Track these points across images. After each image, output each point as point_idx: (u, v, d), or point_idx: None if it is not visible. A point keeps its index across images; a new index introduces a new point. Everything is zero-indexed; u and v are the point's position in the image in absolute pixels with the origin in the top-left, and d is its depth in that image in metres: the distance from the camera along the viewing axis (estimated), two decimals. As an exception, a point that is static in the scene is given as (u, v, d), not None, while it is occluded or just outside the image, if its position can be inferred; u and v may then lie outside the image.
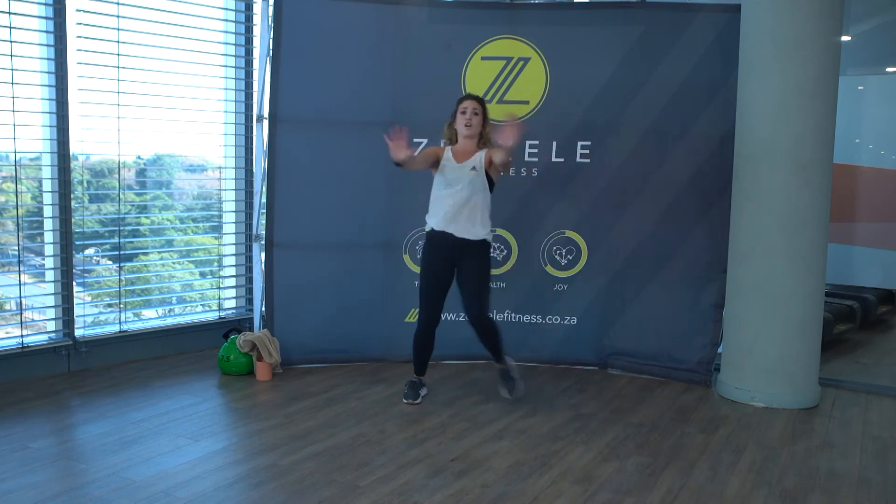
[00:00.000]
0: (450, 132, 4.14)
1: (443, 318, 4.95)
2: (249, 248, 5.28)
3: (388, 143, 3.83)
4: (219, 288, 5.45)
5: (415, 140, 4.83)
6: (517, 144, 3.87)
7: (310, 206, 4.77)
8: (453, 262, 4.08)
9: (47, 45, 4.34)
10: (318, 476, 3.17)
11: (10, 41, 4.17)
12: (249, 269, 5.37)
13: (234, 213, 5.37)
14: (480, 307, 4.10)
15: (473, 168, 4.00)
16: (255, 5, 5.22)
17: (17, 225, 4.32)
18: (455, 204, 4.00)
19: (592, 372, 4.89)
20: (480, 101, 4.12)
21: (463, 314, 4.89)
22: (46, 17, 4.31)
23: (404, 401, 4.14)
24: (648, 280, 4.85)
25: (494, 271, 4.95)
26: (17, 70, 4.20)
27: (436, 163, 4.07)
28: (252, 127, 5.17)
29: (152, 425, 3.71)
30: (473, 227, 4.03)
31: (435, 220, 4.08)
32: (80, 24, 4.44)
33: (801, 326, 4.28)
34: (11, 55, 4.17)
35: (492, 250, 4.41)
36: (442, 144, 4.21)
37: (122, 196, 4.81)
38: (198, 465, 3.25)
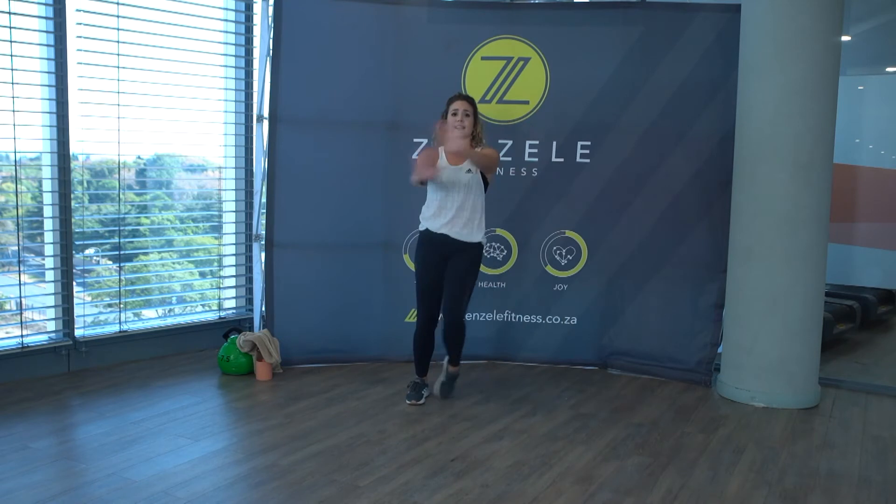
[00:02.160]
0: (441, 133, 4.09)
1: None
2: (249, 248, 5.28)
3: (418, 164, 3.88)
4: (219, 288, 5.45)
5: (414, 140, 4.84)
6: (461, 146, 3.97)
7: (310, 206, 4.77)
8: (446, 259, 4.08)
9: (47, 45, 4.34)
10: (318, 476, 3.17)
11: (10, 41, 4.17)
12: (249, 269, 5.37)
13: (234, 213, 5.37)
14: (460, 310, 4.11)
15: (469, 170, 4.00)
16: (255, 5, 5.22)
17: (17, 225, 4.32)
18: (453, 207, 4.01)
19: (592, 372, 4.89)
20: (471, 101, 4.12)
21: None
22: (46, 17, 4.31)
23: (407, 402, 4.13)
24: (648, 280, 4.85)
25: (495, 271, 4.97)
26: (17, 70, 4.20)
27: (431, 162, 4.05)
28: (252, 127, 5.17)
29: (152, 425, 3.71)
30: (470, 230, 4.04)
31: (431, 221, 4.08)
32: (80, 24, 4.44)
33: (801, 326, 4.28)
34: (11, 55, 4.17)
35: (486, 251, 4.42)
36: (433, 146, 4.17)
37: (122, 196, 4.81)
38: (198, 465, 3.25)
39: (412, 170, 4.02)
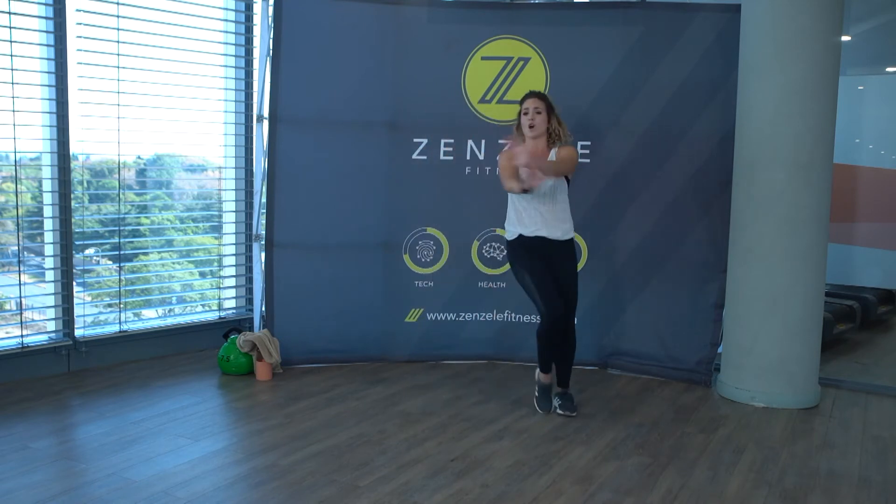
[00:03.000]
0: (519, 134, 4.05)
1: (443, 318, 4.98)
2: (249, 248, 5.28)
3: (528, 175, 3.64)
4: (219, 288, 5.45)
5: (414, 140, 4.84)
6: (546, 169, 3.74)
7: (310, 206, 4.77)
8: (548, 258, 3.97)
9: (47, 45, 4.34)
10: (318, 476, 3.17)
11: (10, 41, 4.17)
12: (249, 269, 5.37)
13: (234, 213, 5.37)
14: (572, 315, 4.02)
15: None
16: (255, 5, 5.22)
17: (17, 225, 4.32)
18: (543, 208, 3.91)
19: (592, 372, 4.88)
20: (541, 97, 4.01)
21: (463, 314, 4.92)
22: (46, 17, 4.31)
23: (540, 410, 4.04)
24: (648, 280, 4.85)
25: (495, 271, 4.97)
26: (17, 70, 4.20)
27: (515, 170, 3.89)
28: (252, 127, 5.17)
29: (152, 425, 3.71)
30: (563, 226, 3.97)
31: (523, 226, 3.96)
32: (80, 24, 4.44)
33: (801, 326, 4.28)
34: (11, 55, 4.17)
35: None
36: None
37: (122, 196, 4.81)
38: (198, 465, 3.25)
39: (507, 175, 3.79)
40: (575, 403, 4.08)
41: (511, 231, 4.04)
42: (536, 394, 4.15)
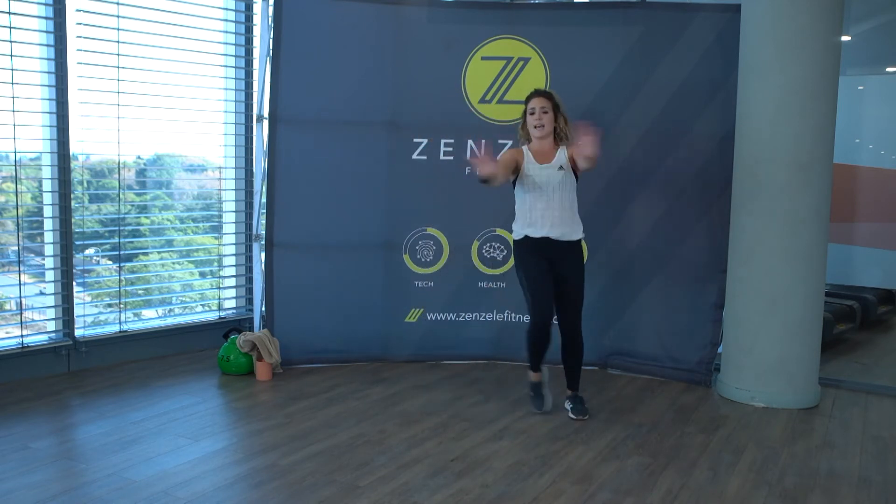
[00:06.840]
0: (524, 133, 4.01)
1: (444, 318, 4.98)
2: (249, 248, 5.28)
3: (474, 162, 3.68)
4: (219, 288, 5.45)
5: (415, 140, 4.84)
6: (599, 147, 3.71)
7: (310, 206, 4.77)
8: (553, 263, 3.94)
9: (47, 45, 4.34)
10: (318, 476, 3.17)
11: (10, 41, 4.17)
12: (249, 269, 5.37)
13: (234, 213, 5.37)
14: (577, 316, 4.00)
15: (561, 167, 3.88)
16: (255, 5, 5.23)
17: (17, 225, 4.32)
18: (551, 207, 3.87)
19: (592, 372, 4.88)
20: (549, 97, 3.96)
21: (463, 314, 4.93)
22: (46, 18, 4.31)
23: (536, 411, 4.02)
24: (648, 280, 4.85)
25: (495, 271, 4.98)
26: (17, 70, 4.20)
27: (516, 168, 3.90)
28: (252, 127, 5.17)
29: (152, 425, 3.71)
30: (572, 227, 3.92)
31: (530, 227, 3.92)
32: (80, 24, 4.44)
33: (801, 326, 4.28)
34: (11, 55, 4.17)
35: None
36: (520, 145, 4.08)
37: (122, 196, 4.81)
38: (198, 465, 3.25)
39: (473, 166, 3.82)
40: (587, 406, 4.06)
41: (517, 231, 4.00)
42: (531, 393, 4.15)
